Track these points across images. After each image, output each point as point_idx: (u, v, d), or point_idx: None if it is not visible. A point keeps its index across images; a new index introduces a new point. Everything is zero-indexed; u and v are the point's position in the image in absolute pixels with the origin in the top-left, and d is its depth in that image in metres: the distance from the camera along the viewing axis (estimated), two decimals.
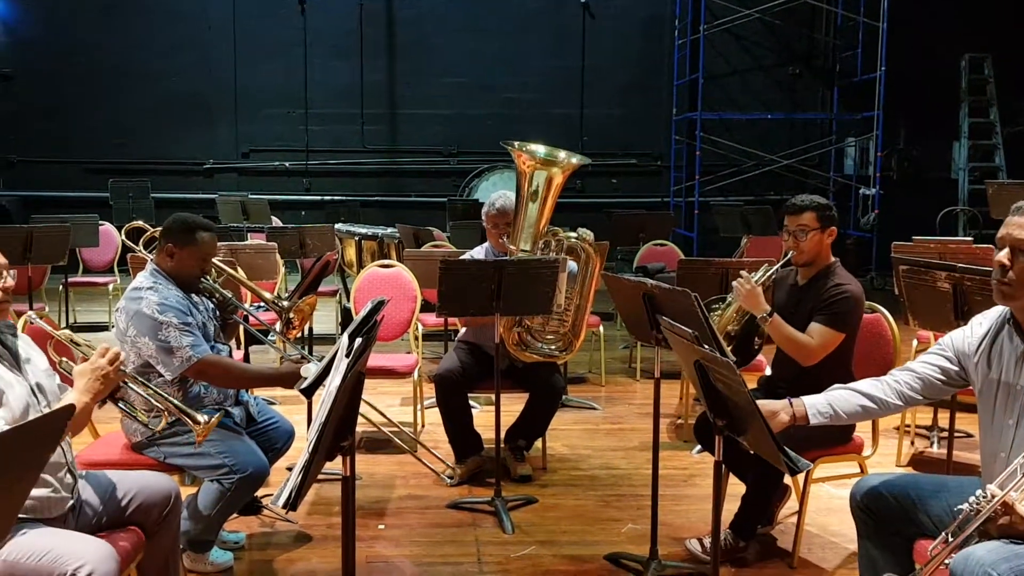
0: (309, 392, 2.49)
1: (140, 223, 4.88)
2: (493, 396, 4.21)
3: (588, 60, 12.20)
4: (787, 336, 3.56)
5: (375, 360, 4.65)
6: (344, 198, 11.66)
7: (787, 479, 3.68)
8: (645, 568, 3.48)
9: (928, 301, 3.97)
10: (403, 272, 5.37)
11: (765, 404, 2.67)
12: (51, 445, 1.93)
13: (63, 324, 7.46)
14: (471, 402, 4.66)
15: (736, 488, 3.72)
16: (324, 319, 7.35)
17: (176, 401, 2.86)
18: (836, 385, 2.85)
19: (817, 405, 2.76)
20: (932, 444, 5.10)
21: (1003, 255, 2.46)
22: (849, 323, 3.54)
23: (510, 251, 4.30)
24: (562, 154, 4.27)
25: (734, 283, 3.66)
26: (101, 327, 8.00)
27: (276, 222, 8.94)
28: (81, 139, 12.07)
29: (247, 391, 3.66)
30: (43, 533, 2.43)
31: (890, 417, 3.42)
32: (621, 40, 12.48)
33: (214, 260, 3.58)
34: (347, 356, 2.14)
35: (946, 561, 2.28)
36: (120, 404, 2.75)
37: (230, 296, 3.59)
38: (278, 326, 3.83)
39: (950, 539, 2.28)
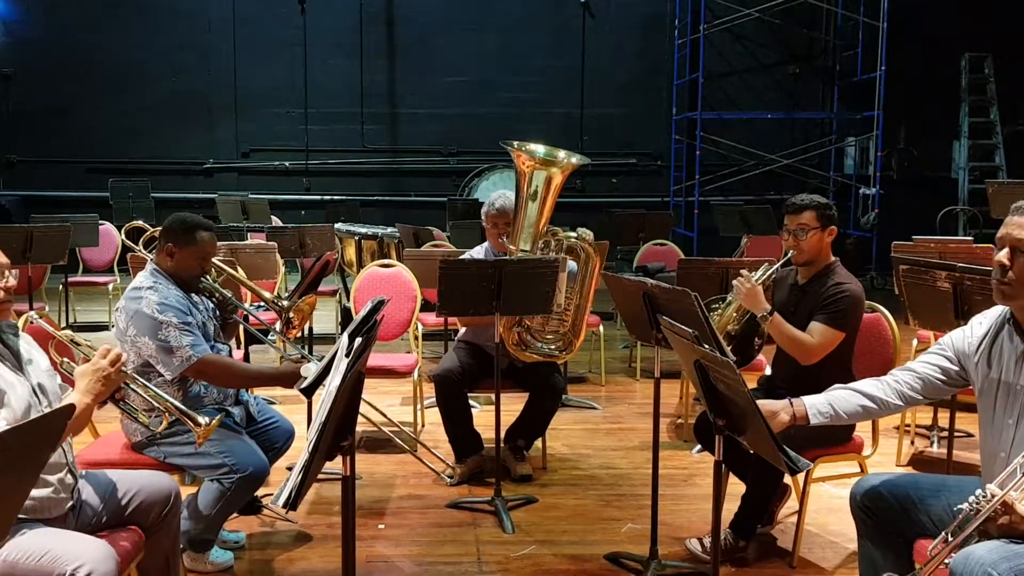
0: (309, 392, 2.49)
1: (140, 223, 4.88)
2: (493, 396, 4.21)
3: (588, 60, 12.20)
4: (787, 335, 3.56)
5: (375, 360, 4.65)
6: (344, 198, 11.65)
7: (787, 479, 3.67)
8: (645, 568, 3.48)
9: (928, 301, 3.97)
10: (403, 272, 5.37)
11: (765, 404, 2.67)
12: (51, 445, 1.93)
13: (63, 324, 7.46)
14: (471, 402, 4.66)
15: (736, 488, 3.72)
16: (324, 319, 7.35)
17: (177, 402, 2.85)
18: (836, 385, 2.84)
19: (817, 405, 2.76)
20: (932, 444, 5.10)
21: (1003, 255, 2.46)
22: (849, 322, 3.54)
23: (510, 251, 4.30)
24: (561, 154, 4.27)
25: (734, 282, 3.66)
26: (101, 327, 7.99)
27: (276, 222, 8.94)
28: (81, 139, 12.07)
29: (247, 390, 3.66)
30: (42, 533, 2.43)
31: (890, 417, 3.42)
32: (621, 40, 12.49)
33: (214, 260, 3.58)
34: (347, 356, 2.14)
35: (946, 561, 2.28)
36: (120, 405, 2.75)
37: (230, 296, 3.59)
38: (278, 326, 3.83)
39: (950, 539, 2.28)
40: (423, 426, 5.25)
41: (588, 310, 4.43)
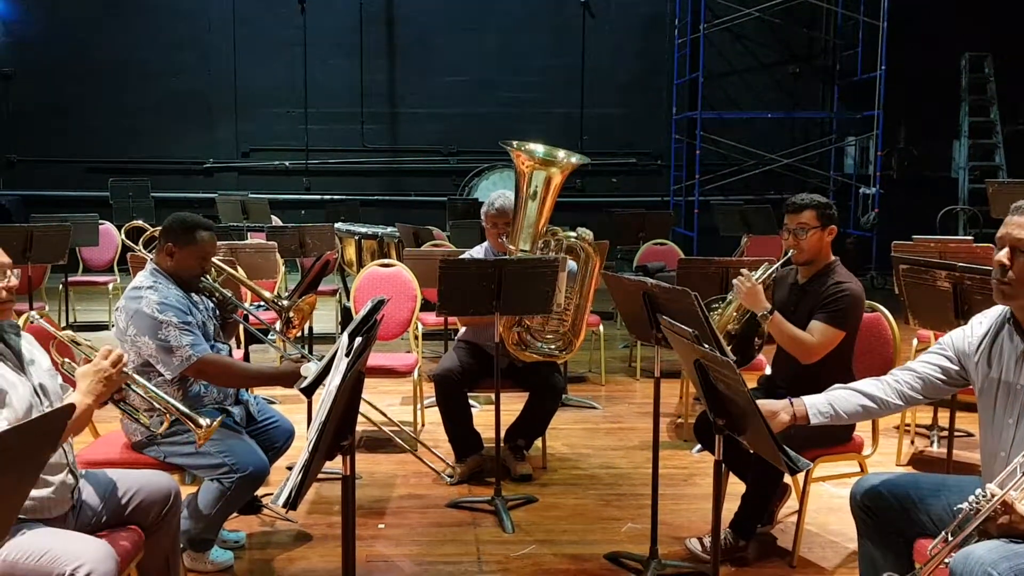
0: (309, 391, 2.49)
1: (140, 222, 4.89)
2: (493, 395, 4.21)
3: (588, 59, 12.21)
4: (787, 334, 3.56)
5: (375, 359, 4.65)
6: (344, 197, 11.66)
7: (787, 478, 3.67)
8: (645, 567, 3.48)
9: (928, 300, 3.97)
10: (403, 271, 5.37)
11: (765, 404, 2.67)
12: (51, 445, 1.93)
13: (63, 323, 7.46)
14: (471, 401, 4.66)
15: (736, 487, 3.72)
16: (324, 318, 7.35)
17: (178, 403, 2.85)
18: (836, 385, 2.84)
19: (817, 405, 2.76)
20: (932, 443, 5.10)
21: (1003, 255, 2.46)
22: (849, 321, 3.54)
23: (509, 251, 4.30)
24: (561, 153, 4.27)
25: (734, 281, 3.66)
26: (101, 326, 8.00)
27: (276, 221, 8.94)
28: (81, 139, 12.07)
29: (247, 390, 3.66)
30: (42, 533, 2.43)
31: (890, 416, 3.42)
32: (621, 39, 12.49)
33: (214, 259, 3.58)
34: (347, 355, 2.14)
35: (946, 560, 2.28)
36: (121, 405, 2.75)
37: (230, 295, 3.59)
38: (278, 325, 3.83)
39: (950, 538, 2.28)
40: (423, 426, 5.25)
41: (588, 310, 4.43)
